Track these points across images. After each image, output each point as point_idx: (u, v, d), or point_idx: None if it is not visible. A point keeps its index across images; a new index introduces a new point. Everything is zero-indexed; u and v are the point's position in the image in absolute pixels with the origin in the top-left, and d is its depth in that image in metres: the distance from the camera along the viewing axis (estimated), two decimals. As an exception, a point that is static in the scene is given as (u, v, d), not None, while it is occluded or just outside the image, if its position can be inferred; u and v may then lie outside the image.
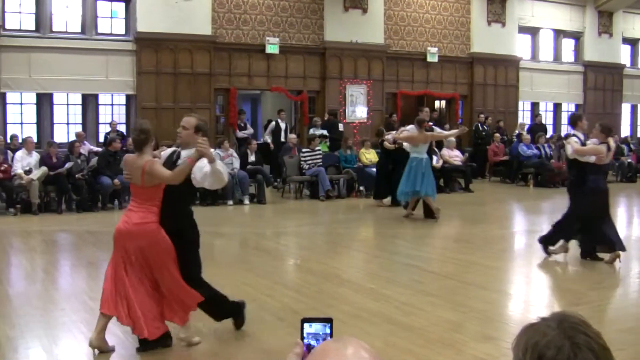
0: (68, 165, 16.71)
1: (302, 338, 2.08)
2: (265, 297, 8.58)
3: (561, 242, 11.13)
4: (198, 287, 6.75)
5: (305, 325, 2.08)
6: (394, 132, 17.83)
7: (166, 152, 7.01)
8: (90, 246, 12.46)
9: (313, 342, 2.07)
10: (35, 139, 18.44)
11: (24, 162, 16.43)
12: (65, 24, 20.56)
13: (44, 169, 16.40)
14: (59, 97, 20.84)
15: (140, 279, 6.56)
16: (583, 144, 11.02)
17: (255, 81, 22.93)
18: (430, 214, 15.46)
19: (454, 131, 17.08)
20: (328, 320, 2.11)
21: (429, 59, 25.47)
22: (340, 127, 22.28)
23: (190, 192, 6.93)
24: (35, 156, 16.71)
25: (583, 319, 2.02)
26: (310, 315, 2.18)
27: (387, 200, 17.95)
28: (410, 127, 15.68)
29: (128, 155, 7.01)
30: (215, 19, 21.87)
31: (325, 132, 21.83)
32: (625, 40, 31.11)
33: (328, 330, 2.09)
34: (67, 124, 20.91)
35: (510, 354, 2.05)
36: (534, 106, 29.12)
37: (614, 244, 10.56)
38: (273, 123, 22.43)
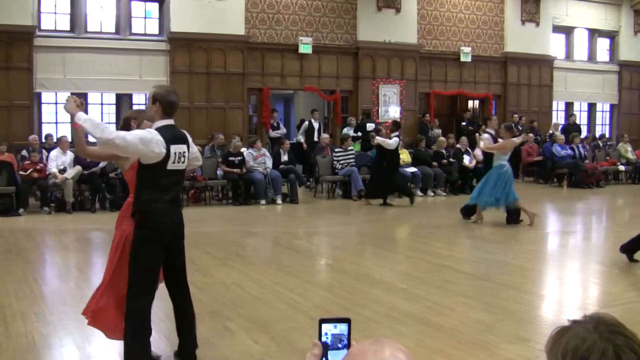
0: (102, 164, 16.84)
1: (320, 339, 2.06)
2: (297, 297, 8.58)
3: None
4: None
5: (330, 325, 2.07)
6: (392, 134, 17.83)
7: None
8: (123, 245, 12.52)
9: (327, 339, 2.06)
10: (69, 139, 18.60)
11: (58, 161, 16.60)
12: (99, 24, 20.74)
13: (79, 168, 16.55)
14: (93, 97, 21.01)
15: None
16: None
17: (288, 81, 22.97)
18: (470, 213, 15.36)
19: (520, 138, 16.79)
20: (346, 321, 2.09)
21: (462, 58, 25.37)
22: (369, 126, 22.16)
23: (141, 174, 5.94)
24: (69, 155, 16.86)
25: (618, 321, 1.99)
26: (335, 316, 2.17)
27: (417, 198, 17.92)
28: (487, 135, 15.41)
29: None
30: (249, 19, 21.93)
31: (359, 133, 21.82)
32: (662, 40, 30.80)
33: (346, 331, 2.08)
34: (102, 123, 21.04)
35: (543, 356, 2.03)
36: (568, 106, 28.88)
37: None
38: (306, 123, 22.45)
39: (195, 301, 7.85)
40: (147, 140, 5.72)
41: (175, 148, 5.91)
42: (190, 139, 6.21)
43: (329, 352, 2.06)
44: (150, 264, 5.86)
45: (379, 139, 17.62)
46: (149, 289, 5.87)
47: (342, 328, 2.07)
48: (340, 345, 2.05)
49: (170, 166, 5.90)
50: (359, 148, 21.29)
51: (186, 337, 6.24)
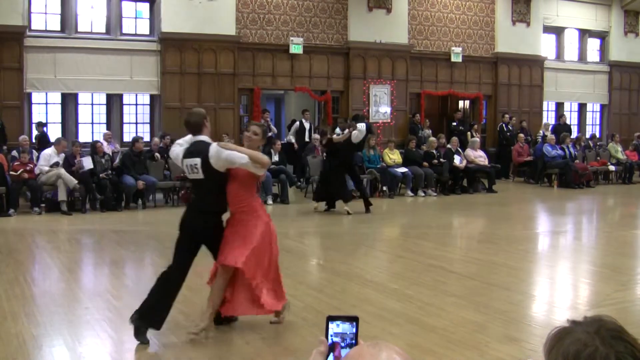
0: (86, 163, 16.75)
1: (327, 336, 2.05)
2: (289, 297, 8.53)
3: None
4: None
5: (333, 324, 2.06)
6: (346, 131, 16.94)
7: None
8: (114, 245, 12.51)
9: (337, 339, 2.05)
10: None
11: (51, 161, 16.54)
12: (90, 25, 20.65)
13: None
14: (83, 97, 20.93)
15: None
16: None
17: (279, 81, 22.94)
18: None
19: None
20: (354, 319, 2.08)
21: (453, 58, 25.36)
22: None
23: None
24: (62, 157, 16.82)
25: (619, 324, 1.96)
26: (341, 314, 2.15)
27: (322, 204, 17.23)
28: None
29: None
30: (239, 19, 21.90)
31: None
32: (652, 40, 30.85)
33: (354, 330, 2.06)
34: (92, 123, 21.01)
35: (533, 355, 2.03)
36: (559, 106, 28.91)
37: None
38: (297, 123, 22.45)
39: (187, 301, 7.91)
40: (175, 157, 7.44)
41: (186, 161, 7.12)
42: (213, 151, 6.94)
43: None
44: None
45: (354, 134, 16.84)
46: None
47: (344, 327, 2.06)
48: (343, 344, 2.05)
49: (189, 176, 7.33)
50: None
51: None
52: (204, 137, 7.21)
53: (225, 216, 7.36)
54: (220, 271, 7.10)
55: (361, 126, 16.86)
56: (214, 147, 6.99)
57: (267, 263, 7.16)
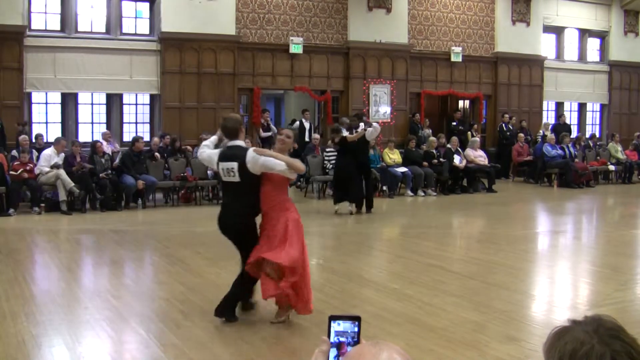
0: (84, 165, 16.80)
1: (329, 335, 2.05)
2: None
3: None
4: None
5: (335, 323, 2.06)
6: (360, 129, 16.67)
7: None
8: (114, 245, 12.50)
9: (343, 339, 2.04)
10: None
11: (51, 161, 16.54)
12: (90, 24, 20.64)
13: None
14: (83, 97, 20.92)
15: None
16: None
17: (279, 81, 22.93)
18: None
19: None
20: (356, 319, 2.08)
21: (453, 58, 25.35)
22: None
23: None
24: (62, 157, 16.83)
25: (618, 324, 1.97)
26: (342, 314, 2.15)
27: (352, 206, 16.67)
28: None
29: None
30: (239, 19, 21.89)
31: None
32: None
33: (356, 329, 2.06)
34: (92, 123, 20.99)
35: (533, 355, 2.02)
36: (559, 106, 28.90)
37: None
38: (297, 123, 22.41)
39: (186, 301, 7.91)
40: (208, 160, 8.05)
41: (222, 165, 7.63)
42: (250, 156, 7.42)
43: (331, 350, 2.04)
44: None
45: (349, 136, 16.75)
46: None
47: (345, 325, 2.06)
48: (344, 342, 2.04)
49: (224, 179, 7.77)
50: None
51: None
52: (240, 142, 7.71)
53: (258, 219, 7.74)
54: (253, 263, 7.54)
55: (376, 124, 16.96)
56: (250, 153, 7.46)
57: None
